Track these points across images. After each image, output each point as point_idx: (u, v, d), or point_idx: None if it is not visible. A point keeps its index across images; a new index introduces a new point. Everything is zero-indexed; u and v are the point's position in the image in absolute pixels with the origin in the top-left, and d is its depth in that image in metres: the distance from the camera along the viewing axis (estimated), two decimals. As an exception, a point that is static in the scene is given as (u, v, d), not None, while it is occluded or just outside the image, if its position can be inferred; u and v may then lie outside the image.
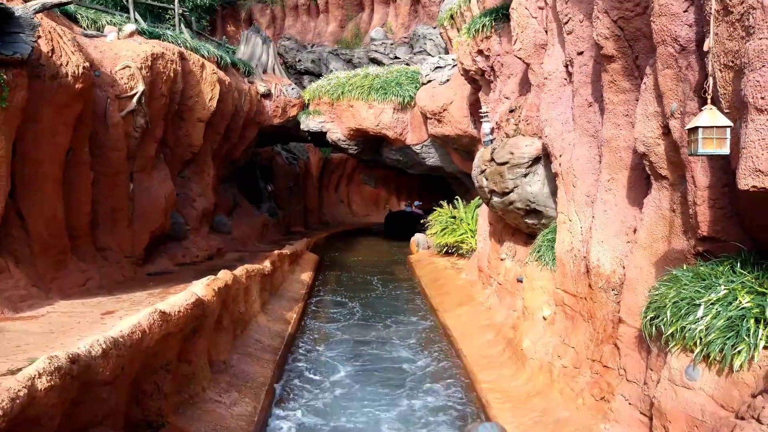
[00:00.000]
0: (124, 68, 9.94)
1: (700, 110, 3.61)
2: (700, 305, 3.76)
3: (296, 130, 19.07)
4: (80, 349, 3.52)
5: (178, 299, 5.21)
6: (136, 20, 13.64)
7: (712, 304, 3.71)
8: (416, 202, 23.75)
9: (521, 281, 8.31)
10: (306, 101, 18.70)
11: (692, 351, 3.77)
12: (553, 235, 7.55)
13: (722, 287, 3.74)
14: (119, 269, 9.34)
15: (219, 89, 12.98)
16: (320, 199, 25.85)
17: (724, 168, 4.16)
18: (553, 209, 7.85)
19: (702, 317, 3.70)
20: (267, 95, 17.32)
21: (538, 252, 7.61)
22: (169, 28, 14.72)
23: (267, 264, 10.37)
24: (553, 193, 7.79)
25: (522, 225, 8.62)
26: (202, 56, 13.24)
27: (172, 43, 12.20)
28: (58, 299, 7.38)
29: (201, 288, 5.98)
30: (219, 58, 14.51)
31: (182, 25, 16.20)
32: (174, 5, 16.37)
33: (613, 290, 5.65)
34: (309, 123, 18.54)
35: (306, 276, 13.74)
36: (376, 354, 8.82)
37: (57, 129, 7.74)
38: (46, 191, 7.76)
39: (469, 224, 13.82)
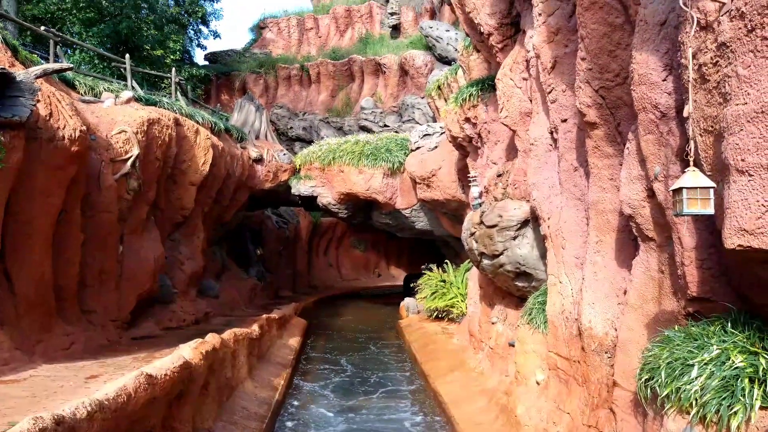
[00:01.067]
0: (120, 132, 10.12)
1: (683, 172, 3.75)
2: (693, 365, 3.75)
3: (287, 195, 19.26)
4: (65, 411, 3.40)
5: (165, 362, 5.09)
6: (133, 87, 14.01)
7: (705, 364, 3.70)
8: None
9: (513, 345, 8.23)
10: (297, 166, 19.00)
11: (688, 412, 3.72)
12: (544, 297, 7.56)
13: (715, 347, 3.75)
14: (104, 333, 9.14)
15: (212, 154, 13.18)
16: (309, 263, 25.76)
17: (709, 229, 4.26)
18: (543, 272, 7.90)
19: (696, 377, 3.67)
20: (259, 160, 17.60)
21: (530, 315, 7.59)
22: (165, 96, 15.12)
23: (255, 328, 10.20)
24: (543, 255, 7.86)
25: (512, 288, 8.63)
26: (197, 122, 13.54)
27: (168, 109, 12.50)
28: (42, 363, 7.17)
29: (188, 351, 5.85)
30: (213, 124, 14.83)
31: (178, 93, 16.65)
32: (171, 74, 16.87)
33: (606, 353, 5.61)
34: (300, 187, 18.77)
35: (294, 341, 13.49)
36: (365, 422, 8.56)
37: (51, 190, 7.78)
38: (36, 252, 7.70)
39: (459, 288, 13.78)
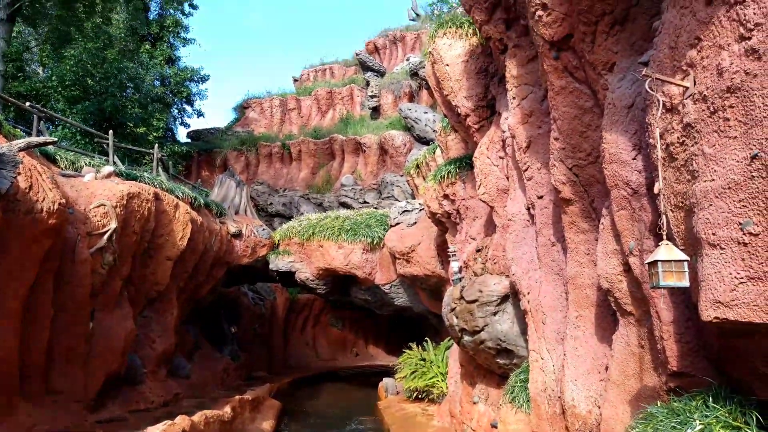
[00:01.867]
0: (98, 206, 10.08)
1: (657, 246, 3.85)
2: (679, 442, 3.69)
3: (265, 270, 19.07)
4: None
5: (132, 444, 4.81)
6: (114, 163, 14.10)
7: (691, 440, 3.64)
8: None
9: (496, 427, 7.99)
10: (276, 241, 18.95)
11: (679, 492, 3.62)
12: (526, 375, 7.45)
13: (698, 422, 3.70)
14: (68, 415, 8.64)
15: (190, 228, 13.13)
16: (285, 341, 25.11)
17: (686, 302, 4.32)
18: (524, 348, 7.83)
19: (683, 454, 3.60)
20: (238, 235, 17.54)
21: (512, 393, 7.44)
22: (146, 171, 15.21)
23: (227, 410, 9.78)
24: (523, 331, 7.82)
25: (494, 365, 8.50)
26: (177, 197, 13.57)
27: (149, 184, 12.55)
28: (-3, 448, 6.72)
29: (157, 432, 5.56)
30: (193, 199, 14.87)
31: (159, 169, 16.78)
32: (153, 150, 17.06)
33: None
34: (278, 263, 18.63)
35: (267, 425, 12.89)
36: None
37: (24, 263, 7.62)
38: (3, 327, 7.41)
39: (439, 366, 13.50)
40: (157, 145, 17.67)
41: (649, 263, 3.76)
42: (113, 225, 9.89)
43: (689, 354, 4.26)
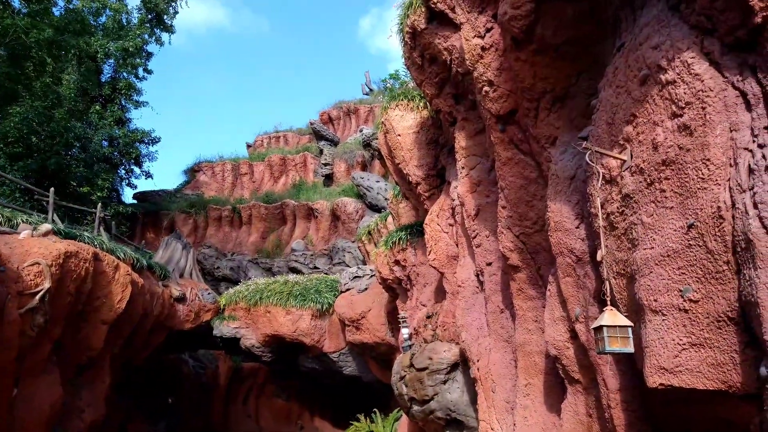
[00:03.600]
0: (32, 265, 9.54)
1: (602, 312, 3.92)
2: None
3: (208, 336, 18.33)
4: None
5: None
6: (53, 221, 13.52)
7: None
8: None
9: (445, 502, 7.70)
10: (221, 306, 18.34)
11: None
12: (475, 446, 7.28)
13: (649, 493, 3.66)
14: (-26, 496, 7.77)
15: (130, 290, 12.55)
16: (226, 413, 23.78)
17: (631, 370, 4.37)
18: (474, 419, 7.68)
19: None
20: (181, 299, 16.88)
21: (462, 466, 7.22)
22: (87, 231, 14.63)
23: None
24: (473, 400, 7.70)
25: (443, 437, 8.28)
26: (118, 257, 13.03)
27: (89, 243, 12.04)
28: None
29: None
30: (135, 261, 14.31)
31: (101, 228, 16.19)
32: (95, 210, 16.51)
33: (541, 506, 5.34)
34: (222, 329, 17.96)
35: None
36: None
37: (-60, 325, 7.03)
38: None
39: (387, 439, 13.05)
40: (100, 204, 17.13)
41: (594, 329, 3.81)
42: (47, 284, 9.34)
43: (636, 422, 4.27)
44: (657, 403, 3.93)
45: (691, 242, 3.28)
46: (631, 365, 4.36)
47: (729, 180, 3.09)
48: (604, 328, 3.66)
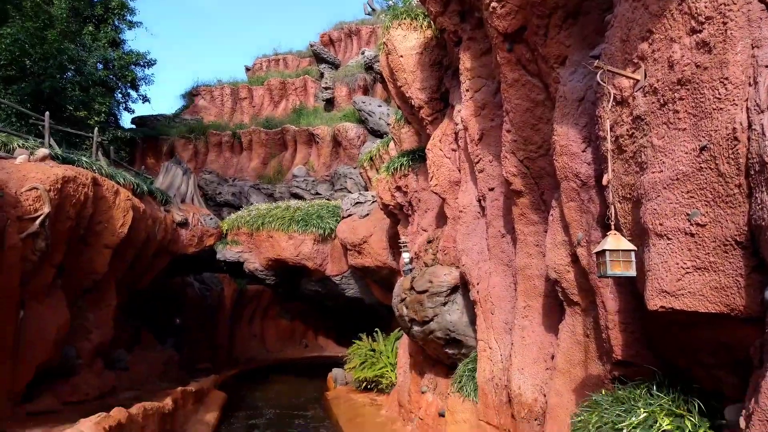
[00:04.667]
0: (30, 190, 9.50)
1: (605, 236, 3.88)
2: (622, 429, 3.73)
3: (212, 260, 18.59)
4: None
5: (61, 439, 4.53)
6: (50, 145, 13.34)
7: (633, 427, 3.69)
8: None
9: (443, 416, 8.03)
10: (224, 231, 18.48)
11: (620, 479, 3.68)
12: (474, 364, 7.49)
13: (642, 411, 3.76)
14: (-5, 408, 8.13)
15: (131, 216, 12.59)
16: (232, 333, 24.55)
17: (632, 292, 4.39)
18: (473, 338, 7.87)
19: (626, 442, 3.65)
20: (183, 224, 16.98)
21: (460, 383, 7.47)
22: (85, 156, 14.48)
23: (168, 401, 9.44)
24: (472, 321, 7.86)
25: (443, 356, 8.53)
26: (117, 183, 12.97)
27: (87, 168, 11.93)
28: None
29: (90, 426, 5.26)
30: (135, 186, 14.26)
31: (99, 153, 16.01)
32: (92, 134, 16.27)
33: (536, 420, 5.55)
34: (226, 253, 18.19)
35: (211, 416, 12.57)
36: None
37: (-57, 248, 7.07)
38: None
39: (389, 357, 13.50)
40: (97, 129, 16.85)
41: (597, 253, 3.78)
42: (46, 210, 9.33)
43: (633, 343, 4.34)
44: (656, 326, 3.97)
45: (702, 165, 3.18)
46: (631, 289, 4.37)
47: (747, 100, 2.94)
48: (607, 252, 3.63)
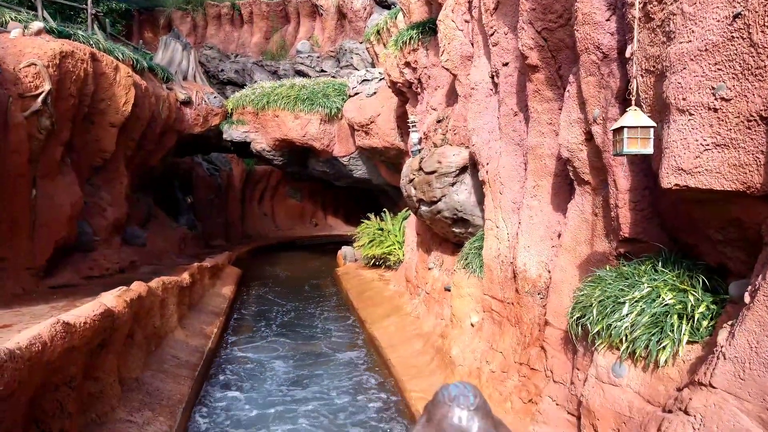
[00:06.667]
0: (29, 66, 9.20)
1: (622, 114, 3.73)
2: (624, 303, 3.85)
3: (218, 140, 18.48)
4: (-35, 362, 3.08)
5: (84, 310, 4.75)
6: (44, 18, 12.75)
7: (636, 301, 3.80)
8: None
9: (449, 290, 8.34)
10: (229, 110, 18.18)
11: (618, 348, 3.84)
12: (480, 242, 7.64)
13: (645, 285, 3.85)
14: (18, 282, 8.52)
15: (134, 93, 12.31)
16: (243, 212, 25.10)
17: (644, 171, 4.32)
18: (480, 218, 7.96)
19: (627, 314, 3.78)
20: (187, 103, 16.67)
21: (466, 260, 7.67)
22: (80, 29, 13.87)
23: (186, 276, 9.84)
24: (480, 201, 7.90)
25: (449, 234, 8.68)
26: (116, 58, 12.54)
27: (84, 43, 11.47)
28: (-55, 314, 6.60)
29: (111, 299, 5.51)
30: (135, 62, 13.80)
31: (95, 26, 15.33)
32: (87, 5, 15.47)
33: (539, 294, 5.74)
34: (232, 133, 18.02)
35: (227, 290, 13.20)
36: (302, 367, 8.54)
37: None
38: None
39: (396, 236, 13.83)
40: (91, 0, 15.98)
41: (614, 130, 3.66)
42: (47, 86, 9.10)
43: (642, 221, 4.35)
44: (667, 203, 3.94)
45: (734, 34, 2.95)
46: (642, 167, 4.30)
47: (795, -42, 2.65)
48: (625, 129, 3.50)
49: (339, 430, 6.40)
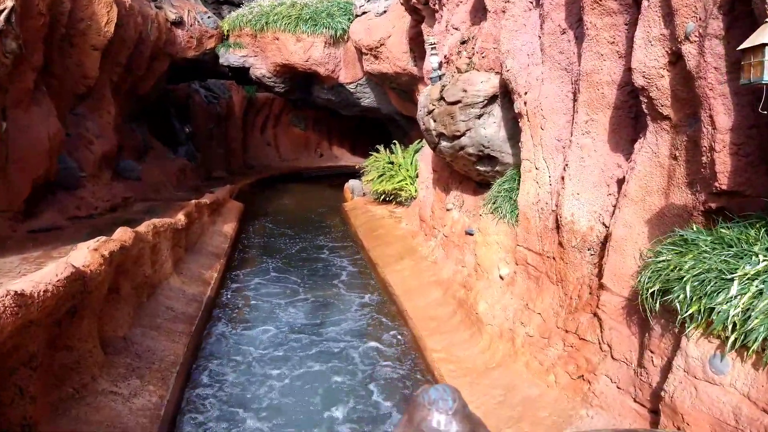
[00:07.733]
0: (-12, -24, 7.93)
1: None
2: (733, 280, 2.95)
3: (215, 65, 17.16)
4: None
5: (46, 274, 3.90)
6: None
7: (749, 279, 2.90)
8: None
9: (471, 234, 7.49)
10: (225, 32, 16.73)
11: (719, 337, 2.99)
12: (510, 184, 6.70)
13: (761, 257, 2.94)
14: (-7, 225, 7.68)
15: (116, 12, 11.01)
16: (245, 141, 23.96)
17: (752, 104, 3.31)
18: (510, 155, 6.97)
19: (737, 296, 2.89)
20: (179, 23, 15.24)
21: (494, 203, 6.75)
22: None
23: (180, 217, 8.99)
24: (510, 136, 6.88)
25: (472, 172, 7.71)
26: (96, -30, 11.12)
27: (56, -49, 10.06)
28: None
29: (84, 255, 4.65)
30: (117, -25, 12.34)
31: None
32: None
33: (589, 250, 4.86)
34: (229, 57, 16.67)
35: (229, 227, 12.40)
36: (309, 312, 7.85)
37: None
38: None
39: (408, 170, 12.84)
40: None
41: (743, 50, 2.63)
42: (9, 2, 7.86)
43: (746, 169, 3.39)
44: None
45: None
46: (752, 100, 3.29)
47: None
48: (767, 48, 2.47)
49: (353, 377, 5.73)
